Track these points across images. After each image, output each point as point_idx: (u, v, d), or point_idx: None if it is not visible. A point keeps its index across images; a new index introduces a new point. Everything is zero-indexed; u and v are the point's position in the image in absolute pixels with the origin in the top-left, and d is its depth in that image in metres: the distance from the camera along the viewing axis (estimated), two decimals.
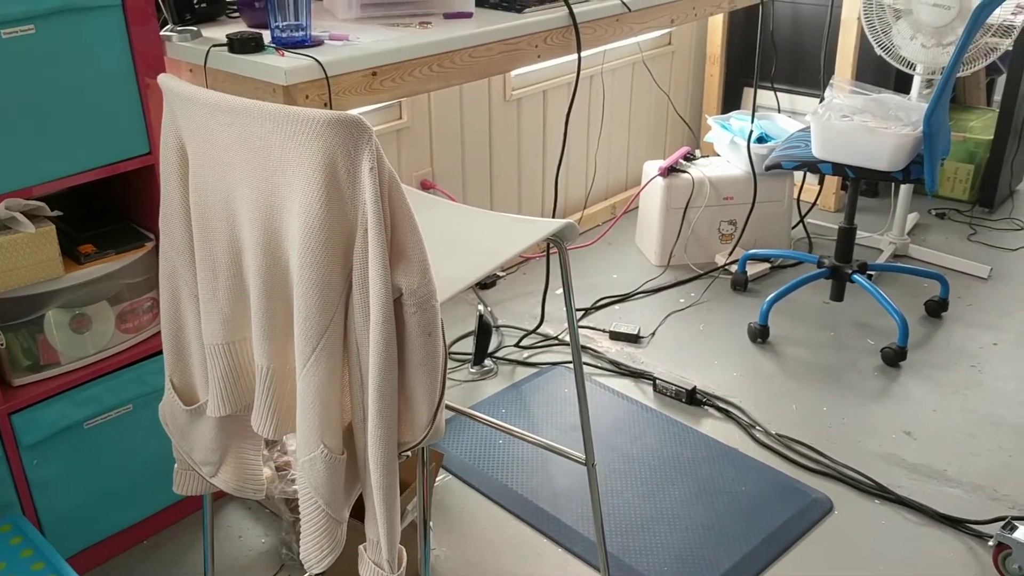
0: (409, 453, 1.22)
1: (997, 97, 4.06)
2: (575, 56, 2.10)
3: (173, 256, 1.31)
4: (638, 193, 3.24)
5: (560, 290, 2.97)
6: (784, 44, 3.57)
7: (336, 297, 1.15)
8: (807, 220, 3.33)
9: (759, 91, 3.63)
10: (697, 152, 3.24)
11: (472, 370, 2.54)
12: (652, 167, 3.15)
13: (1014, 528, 1.82)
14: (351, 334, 1.17)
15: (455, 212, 1.62)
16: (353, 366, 1.18)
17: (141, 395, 1.83)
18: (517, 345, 2.66)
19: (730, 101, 3.77)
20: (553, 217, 2.26)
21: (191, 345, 1.35)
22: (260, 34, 1.69)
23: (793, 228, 3.30)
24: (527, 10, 2.02)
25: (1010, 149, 3.52)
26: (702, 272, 3.09)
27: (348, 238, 1.14)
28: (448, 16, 1.96)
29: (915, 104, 2.62)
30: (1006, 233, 3.39)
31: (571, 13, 2.04)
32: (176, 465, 1.43)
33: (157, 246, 1.57)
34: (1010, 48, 2.85)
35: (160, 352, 1.82)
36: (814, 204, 3.46)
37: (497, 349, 2.65)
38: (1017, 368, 2.54)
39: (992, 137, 3.50)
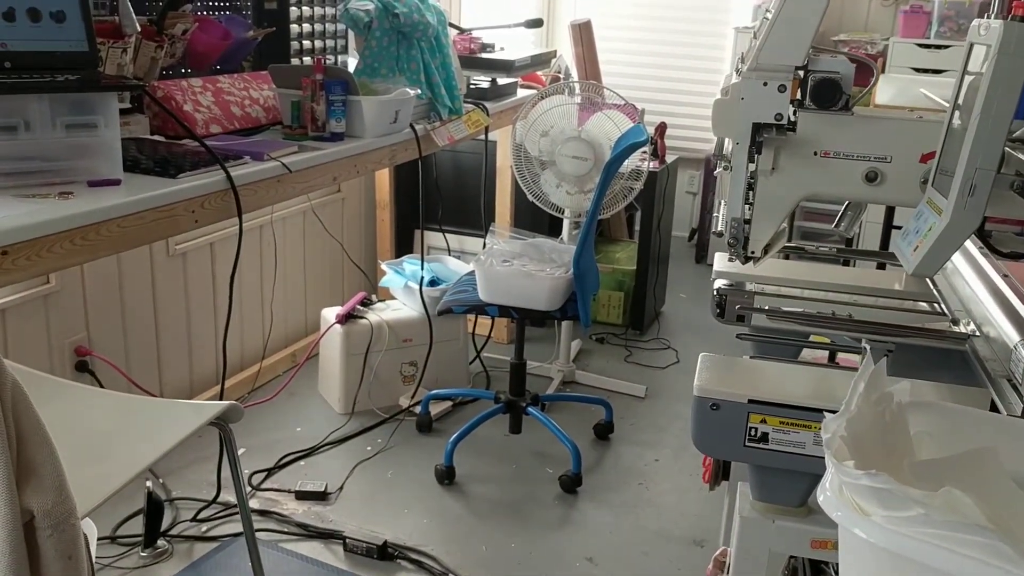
0: None
1: (638, 228, 4.56)
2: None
3: None
4: (317, 342, 3.21)
5: (241, 451, 2.82)
6: (448, 189, 3.78)
7: None
8: (483, 354, 3.47)
9: (432, 233, 3.79)
10: (374, 297, 3.29)
11: (143, 554, 2.31)
12: (330, 314, 3.15)
13: None
14: None
15: (108, 400, 1.49)
16: None
17: None
18: (194, 519, 2.47)
19: (403, 244, 3.89)
20: (223, 383, 2.17)
21: None
22: None
23: (471, 363, 3.43)
24: (181, 175, 1.96)
25: (651, 276, 3.95)
26: (387, 416, 3.10)
27: None
28: (93, 184, 1.85)
29: (566, 247, 2.87)
30: (656, 352, 3.76)
31: (229, 177, 2.01)
32: None
33: None
34: (642, 188, 3.22)
35: None
36: (488, 338, 3.62)
37: (172, 526, 2.44)
38: (677, 482, 2.78)
39: (635, 267, 3.91)
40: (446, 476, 2.73)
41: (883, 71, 4.23)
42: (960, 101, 1.24)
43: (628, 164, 3.14)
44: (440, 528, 2.51)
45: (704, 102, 5.03)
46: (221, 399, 1.85)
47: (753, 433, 1.27)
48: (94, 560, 1.80)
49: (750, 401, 1.27)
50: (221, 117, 2.42)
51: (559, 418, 2.99)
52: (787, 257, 2.06)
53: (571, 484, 2.71)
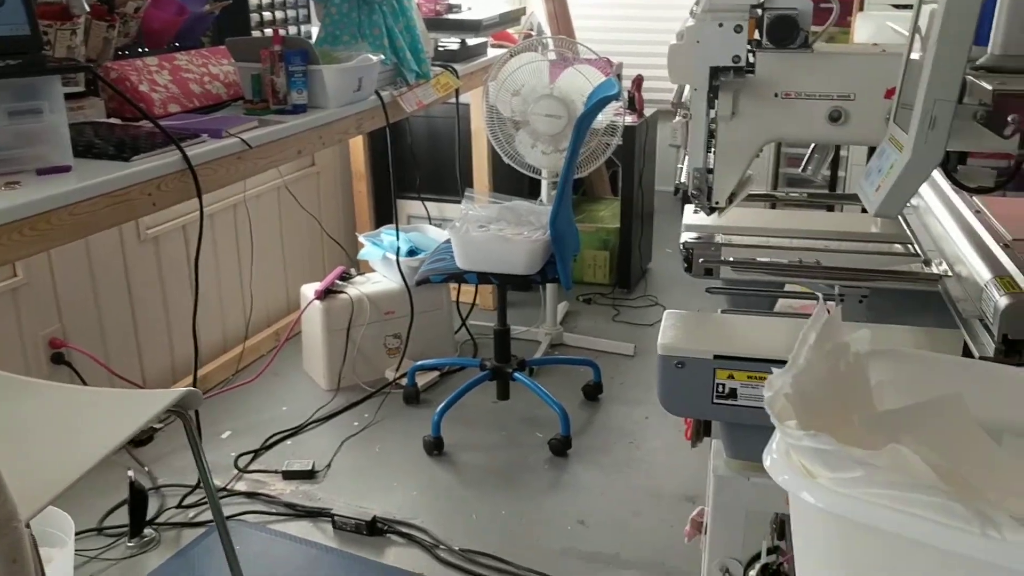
0: None
1: (621, 184, 4.49)
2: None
3: None
4: (297, 319, 3.17)
5: (226, 433, 2.79)
6: (424, 156, 3.71)
7: None
8: (470, 322, 3.43)
9: (411, 202, 3.73)
10: (353, 271, 3.24)
11: (130, 544, 2.29)
12: (310, 291, 3.10)
13: None
14: None
15: (62, 395, 1.45)
16: None
17: None
18: (180, 505, 2.45)
19: (382, 216, 3.83)
20: (195, 370, 2.13)
21: None
22: None
23: (457, 332, 3.38)
24: (135, 158, 1.90)
25: (636, 233, 3.89)
26: (373, 390, 3.06)
27: None
28: (42, 172, 1.79)
29: (544, 208, 2.81)
30: (644, 310, 3.71)
31: (185, 157, 1.95)
32: None
33: None
34: (620, 143, 3.16)
35: None
36: (473, 305, 3.58)
37: (158, 514, 2.41)
38: (667, 439, 2.75)
39: (619, 224, 3.86)
40: (434, 447, 2.70)
41: (861, 8, 4.14)
42: (922, 32, 1.18)
43: (603, 119, 3.07)
44: (429, 500, 2.49)
45: None
46: (194, 386, 1.81)
47: (721, 389, 1.23)
48: (73, 557, 1.77)
49: (716, 357, 1.23)
50: (180, 95, 2.36)
51: (547, 382, 2.95)
52: (774, 206, 2.01)
53: (561, 447, 2.68)
